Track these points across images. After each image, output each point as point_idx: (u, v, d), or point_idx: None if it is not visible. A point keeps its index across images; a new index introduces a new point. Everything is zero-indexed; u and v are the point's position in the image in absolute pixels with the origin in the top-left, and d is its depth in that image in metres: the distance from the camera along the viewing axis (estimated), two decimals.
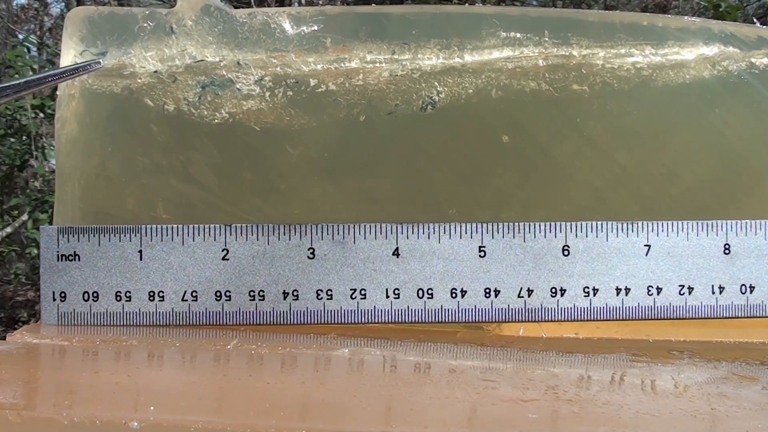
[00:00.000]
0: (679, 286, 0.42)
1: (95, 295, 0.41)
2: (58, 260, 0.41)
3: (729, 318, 0.42)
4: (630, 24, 0.46)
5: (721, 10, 1.76)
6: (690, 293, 0.42)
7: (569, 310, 0.42)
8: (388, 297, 0.41)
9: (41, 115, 2.26)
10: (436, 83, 0.45)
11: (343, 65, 0.45)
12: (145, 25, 0.44)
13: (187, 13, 0.44)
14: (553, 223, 0.42)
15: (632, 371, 0.38)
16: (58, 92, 0.44)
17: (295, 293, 0.41)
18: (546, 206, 0.46)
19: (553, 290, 0.42)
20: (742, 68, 0.46)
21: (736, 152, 0.47)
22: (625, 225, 0.42)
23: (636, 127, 0.46)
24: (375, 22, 0.45)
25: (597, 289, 0.42)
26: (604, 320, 0.42)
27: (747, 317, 0.42)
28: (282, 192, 0.45)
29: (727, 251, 0.42)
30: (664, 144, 0.47)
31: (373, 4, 0.47)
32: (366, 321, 0.41)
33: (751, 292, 0.42)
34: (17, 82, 0.40)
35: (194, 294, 0.41)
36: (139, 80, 0.44)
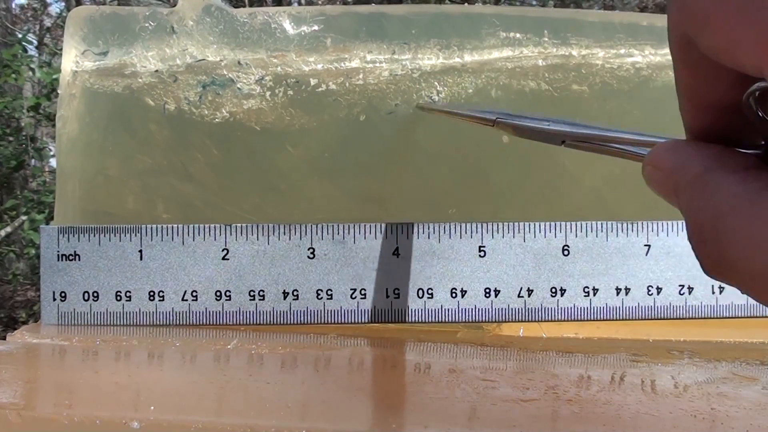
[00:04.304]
0: (679, 286, 0.42)
1: (95, 294, 0.41)
2: (58, 260, 0.41)
3: (729, 318, 0.42)
4: (630, 24, 0.46)
5: None
6: (690, 293, 0.42)
7: (569, 310, 0.42)
8: (388, 297, 0.41)
9: (40, 115, 2.26)
10: (436, 83, 0.45)
11: (343, 65, 0.45)
12: (146, 24, 0.44)
13: (188, 13, 0.44)
14: (553, 223, 0.42)
15: (632, 371, 0.38)
16: (59, 91, 0.44)
17: (295, 293, 0.41)
18: (546, 206, 0.46)
19: (553, 290, 0.42)
20: None
21: None
22: (625, 225, 0.42)
23: (636, 127, 0.46)
24: (375, 22, 0.45)
25: (597, 289, 0.42)
26: (604, 320, 0.42)
27: (747, 317, 0.42)
28: (282, 192, 0.45)
29: None
30: None
31: (373, 4, 0.47)
32: (366, 321, 0.41)
33: None
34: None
35: (194, 294, 0.41)
36: (140, 80, 0.44)
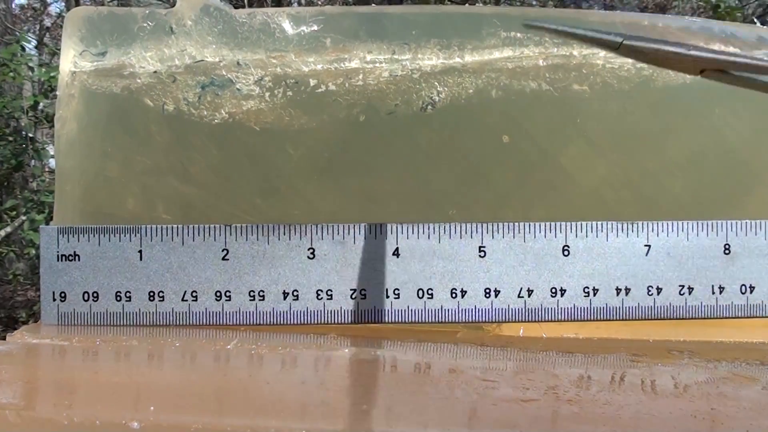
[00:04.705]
0: (679, 286, 0.42)
1: (95, 295, 0.41)
2: (58, 260, 0.41)
3: (729, 318, 0.42)
4: (630, 24, 0.46)
5: (720, 11, 1.77)
6: (690, 293, 0.42)
7: (569, 310, 0.42)
8: (388, 297, 0.41)
9: (38, 116, 2.26)
10: (436, 83, 0.45)
11: (343, 65, 0.45)
12: (144, 25, 0.44)
13: (187, 13, 0.44)
14: (553, 223, 0.42)
15: (632, 371, 0.38)
16: (58, 92, 0.44)
17: (295, 293, 0.41)
18: (546, 206, 0.46)
19: (553, 290, 0.42)
20: None
21: (736, 152, 0.47)
22: (625, 225, 0.42)
23: (636, 127, 0.46)
24: (375, 22, 0.45)
25: (597, 289, 0.42)
26: (604, 320, 0.42)
27: (747, 317, 0.42)
28: (282, 192, 0.45)
29: (727, 251, 0.42)
30: (664, 144, 0.47)
31: (373, 4, 0.47)
32: (366, 321, 0.41)
33: (751, 292, 0.42)
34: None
35: (194, 294, 0.41)
36: (139, 80, 0.44)
